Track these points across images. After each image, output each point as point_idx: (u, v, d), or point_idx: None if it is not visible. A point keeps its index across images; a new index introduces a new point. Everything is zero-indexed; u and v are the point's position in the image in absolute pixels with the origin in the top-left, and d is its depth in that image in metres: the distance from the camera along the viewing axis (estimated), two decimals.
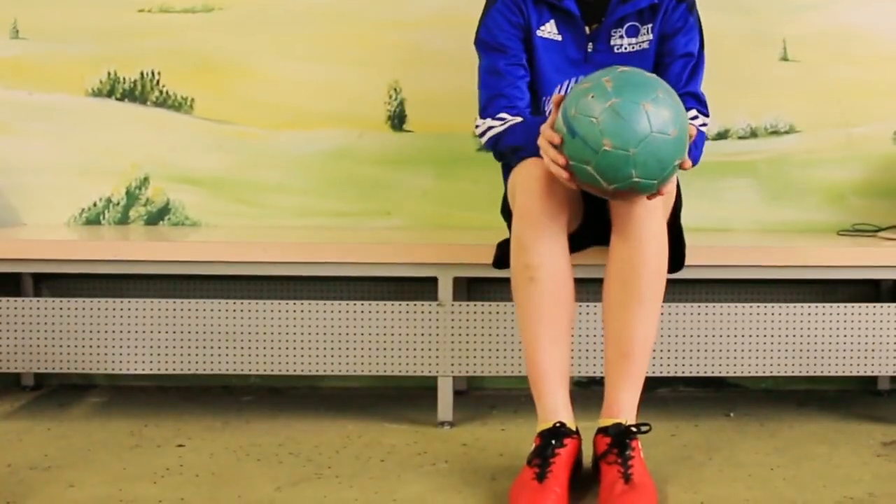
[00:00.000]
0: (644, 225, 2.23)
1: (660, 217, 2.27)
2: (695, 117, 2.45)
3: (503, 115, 2.47)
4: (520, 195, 2.27)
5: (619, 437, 2.21)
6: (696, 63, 2.51)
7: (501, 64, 2.51)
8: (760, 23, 3.11)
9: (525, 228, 2.25)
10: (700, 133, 2.44)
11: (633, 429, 2.23)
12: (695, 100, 2.49)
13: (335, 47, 3.17)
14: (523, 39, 2.52)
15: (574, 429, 2.25)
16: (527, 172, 2.27)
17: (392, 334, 2.74)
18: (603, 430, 2.24)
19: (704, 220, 3.16)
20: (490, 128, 2.48)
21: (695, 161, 2.38)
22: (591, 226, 2.47)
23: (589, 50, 2.50)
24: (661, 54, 2.50)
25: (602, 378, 3.14)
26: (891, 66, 3.12)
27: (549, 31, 2.51)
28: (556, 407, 2.26)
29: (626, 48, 2.50)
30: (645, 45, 2.49)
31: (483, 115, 2.51)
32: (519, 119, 2.45)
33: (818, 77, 3.12)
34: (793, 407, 2.98)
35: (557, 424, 2.23)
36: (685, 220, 3.08)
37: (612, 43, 2.50)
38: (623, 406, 2.26)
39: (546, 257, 2.24)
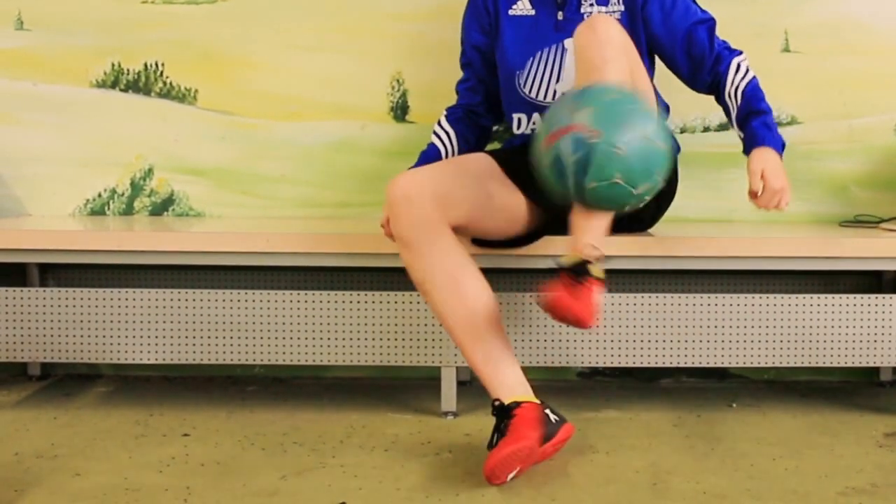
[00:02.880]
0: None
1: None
2: (737, 68, 2.61)
3: (443, 121, 2.77)
4: (390, 220, 2.40)
5: (576, 269, 2.23)
6: (709, 24, 2.63)
7: (462, 59, 2.82)
8: (762, 14, 3.11)
9: (401, 251, 2.40)
10: (754, 80, 2.61)
11: (591, 261, 2.25)
12: (728, 52, 2.63)
13: (338, 38, 3.18)
14: (488, 34, 2.72)
15: (525, 399, 2.30)
16: (388, 199, 2.40)
17: (395, 324, 2.75)
18: (563, 269, 2.24)
19: (707, 212, 3.16)
20: (433, 131, 2.77)
21: (779, 146, 2.56)
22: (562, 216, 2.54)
23: (559, 18, 2.58)
24: (663, 35, 2.58)
25: (604, 369, 3.17)
26: (892, 57, 3.12)
27: (521, 8, 2.65)
28: (496, 391, 2.33)
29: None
30: (616, 15, 2.61)
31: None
32: (438, 140, 2.74)
33: (820, 68, 3.13)
34: (795, 397, 2.99)
35: (496, 403, 2.31)
36: (686, 210, 3.10)
37: (583, 11, 2.62)
38: (582, 241, 2.27)
39: (427, 272, 2.36)
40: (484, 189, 2.47)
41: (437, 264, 2.35)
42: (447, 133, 2.75)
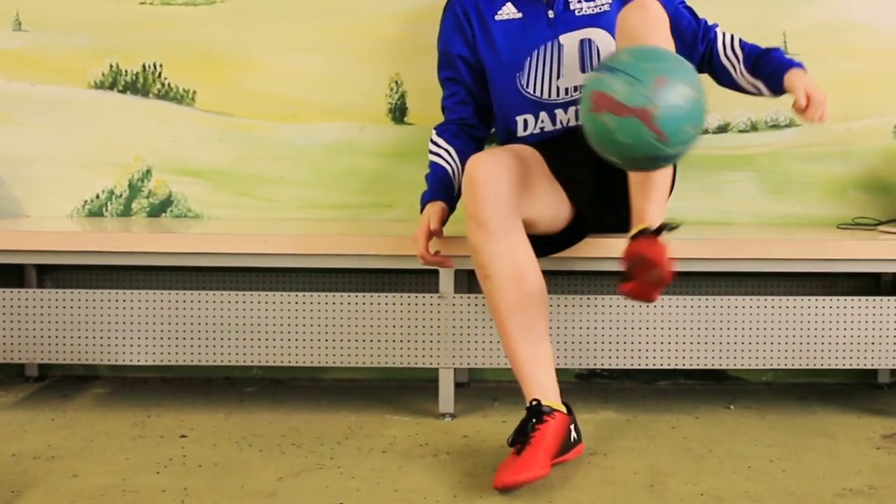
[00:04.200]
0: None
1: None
2: (724, 34, 2.68)
3: (438, 139, 2.74)
4: (466, 199, 2.38)
5: (649, 233, 2.27)
6: (684, 3, 2.71)
7: (443, 74, 2.80)
8: (760, 16, 3.11)
9: (473, 232, 2.36)
10: (742, 39, 2.68)
11: (662, 227, 2.28)
12: (706, 22, 2.70)
13: (336, 40, 3.17)
14: (471, 44, 2.71)
15: (558, 408, 2.31)
16: (471, 176, 2.37)
17: (393, 326, 2.75)
18: (634, 236, 2.28)
19: (705, 214, 3.16)
20: (429, 151, 2.74)
21: (797, 63, 2.59)
22: (594, 215, 2.54)
23: (550, 16, 2.64)
24: None
25: (602, 371, 3.17)
26: (891, 59, 3.12)
27: (507, 12, 2.69)
28: (533, 390, 2.34)
29: (586, 10, 2.64)
30: (606, 8, 2.65)
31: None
32: (441, 159, 2.70)
33: (818, 71, 3.08)
34: (793, 400, 2.99)
35: (534, 402, 2.31)
36: (684, 212, 3.10)
37: (573, 7, 2.65)
38: (648, 215, 2.31)
39: (495, 256, 2.34)
40: (544, 182, 2.49)
41: (506, 251, 2.34)
42: (447, 151, 2.71)
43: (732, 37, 2.67)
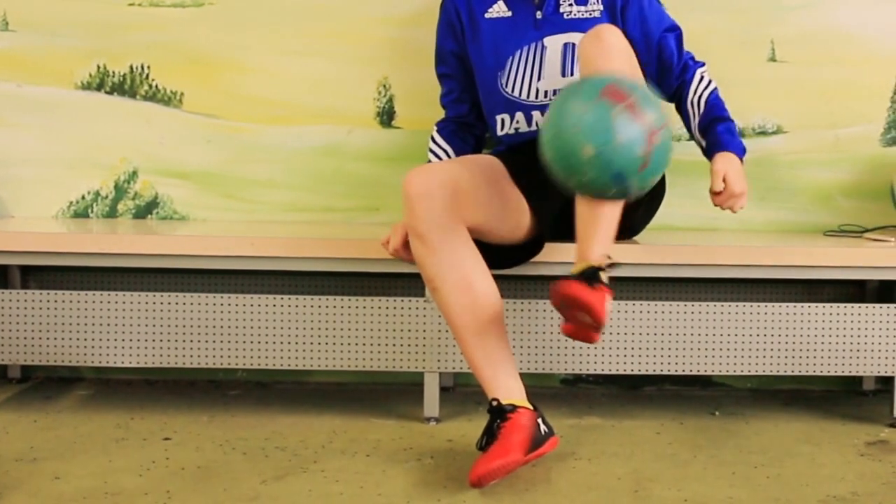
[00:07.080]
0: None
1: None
2: (701, 78, 2.70)
3: (438, 137, 2.80)
4: (404, 214, 2.39)
5: (587, 274, 2.19)
6: (678, 33, 2.71)
7: (438, 70, 2.85)
8: (748, 23, 3.11)
9: (415, 246, 2.39)
10: (716, 91, 2.70)
11: (600, 269, 2.21)
12: (693, 62, 2.72)
13: (325, 43, 3.17)
14: (460, 41, 2.75)
15: (522, 404, 2.32)
16: (405, 192, 2.37)
17: (379, 330, 2.75)
18: (574, 276, 2.20)
19: (691, 220, 3.16)
20: (429, 148, 2.81)
21: (741, 152, 2.63)
22: (562, 225, 2.51)
23: (538, 17, 2.65)
24: (639, 39, 2.67)
25: (588, 376, 3.17)
26: (878, 66, 3.13)
27: (497, 10, 2.72)
28: (494, 391, 2.35)
29: (575, 14, 2.65)
30: (596, 14, 2.65)
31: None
32: (437, 158, 2.76)
33: (806, 78, 3.13)
34: (778, 406, 2.99)
35: (494, 403, 2.32)
36: (670, 218, 3.10)
37: (562, 10, 2.66)
38: (592, 253, 2.24)
39: (440, 269, 2.36)
40: (497, 192, 2.47)
41: (450, 262, 2.35)
42: (444, 150, 2.77)
43: (707, 86, 2.68)
